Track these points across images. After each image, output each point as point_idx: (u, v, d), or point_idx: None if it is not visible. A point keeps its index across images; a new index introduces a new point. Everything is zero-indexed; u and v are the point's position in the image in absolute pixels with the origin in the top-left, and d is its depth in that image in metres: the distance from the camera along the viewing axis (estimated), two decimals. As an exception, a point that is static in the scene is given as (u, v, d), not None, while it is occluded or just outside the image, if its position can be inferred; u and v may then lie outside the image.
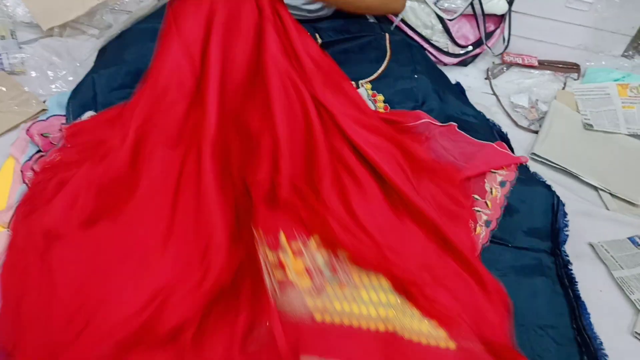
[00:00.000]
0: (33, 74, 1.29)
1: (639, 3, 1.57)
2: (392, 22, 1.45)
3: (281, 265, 0.87)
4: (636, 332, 1.03)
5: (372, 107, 1.25)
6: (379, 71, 1.33)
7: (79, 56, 1.32)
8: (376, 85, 1.31)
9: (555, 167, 1.34)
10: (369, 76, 1.32)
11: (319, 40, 1.32)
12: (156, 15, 1.29)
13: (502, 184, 1.12)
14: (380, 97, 1.30)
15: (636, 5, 1.57)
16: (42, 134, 1.10)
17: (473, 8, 1.53)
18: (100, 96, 1.14)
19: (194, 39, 0.92)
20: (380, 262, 0.89)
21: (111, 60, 1.22)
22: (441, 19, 1.52)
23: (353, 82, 1.31)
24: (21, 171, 1.06)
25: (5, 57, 1.27)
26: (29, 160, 1.07)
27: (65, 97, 1.19)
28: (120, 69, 1.18)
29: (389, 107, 1.30)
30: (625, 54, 1.67)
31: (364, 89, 1.29)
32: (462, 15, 1.54)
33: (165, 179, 0.89)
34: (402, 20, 1.48)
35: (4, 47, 1.29)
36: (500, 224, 1.08)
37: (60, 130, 1.09)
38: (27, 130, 1.11)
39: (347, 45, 1.34)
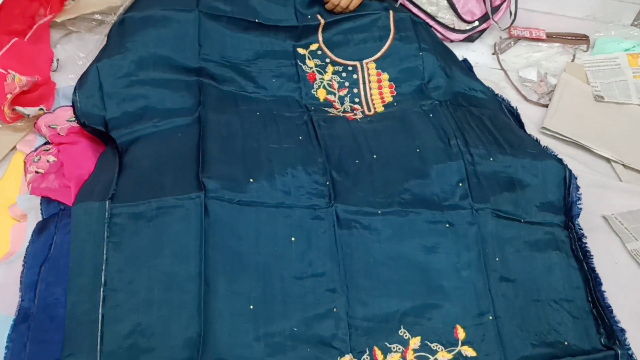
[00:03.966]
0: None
1: (648, -30, 1.54)
2: (396, 0, 1.43)
3: None
4: (653, 303, 1.03)
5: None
6: (383, 50, 1.31)
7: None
8: (381, 64, 1.30)
9: (566, 140, 1.33)
10: (372, 55, 1.31)
11: (322, 21, 1.31)
12: (156, 2, 1.27)
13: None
14: (385, 76, 1.29)
15: (645, -27, 1.54)
16: (49, 126, 1.11)
17: (478, -18, 1.51)
18: (106, 85, 1.14)
19: None
20: None
21: (114, 48, 1.21)
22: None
23: (357, 62, 1.30)
24: (24, 162, 1.07)
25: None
26: (34, 151, 1.07)
27: (71, 89, 1.19)
28: (124, 57, 1.17)
29: (394, 86, 1.29)
30: (635, 23, 1.63)
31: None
32: (468, -11, 1.52)
33: None
34: (408, -1, 1.46)
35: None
36: (512, 199, 1.08)
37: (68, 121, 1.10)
38: (35, 123, 1.12)
39: (349, 24, 1.33)
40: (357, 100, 1.28)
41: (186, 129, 1.10)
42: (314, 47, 1.31)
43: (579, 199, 1.11)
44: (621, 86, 1.45)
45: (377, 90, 1.28)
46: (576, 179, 1.13)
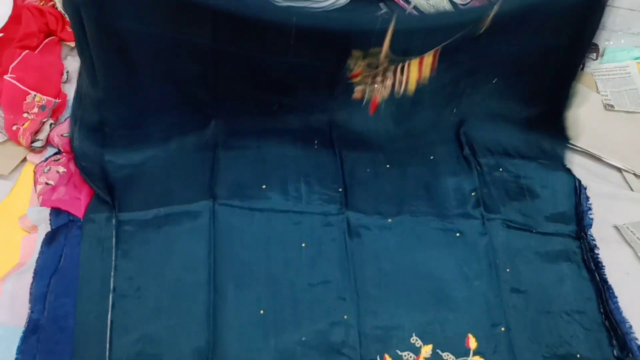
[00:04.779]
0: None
1: (658, -21, 1.53)
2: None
3: None
4: (666, 315, 1.01)
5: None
6: None
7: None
8: None
9: (576, 149, 1.32)
10: None
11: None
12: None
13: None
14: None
15: (655, -19, 1.54)
16: (62, 135, 1.11)
17: (486, -9, 1.50)
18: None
19: None
20: None
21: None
22: (453, 3, 1.50)
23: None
24: (34, 172, 1.07)
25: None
26: (44, 161, 1.08)
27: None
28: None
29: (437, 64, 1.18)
30: (645, 31, 1.63)
31: None
32: (476, -1, 1.52)
33: None
34: (413, 6, 1.46)
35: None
36: (522, 210, 1.07)
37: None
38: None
39: None
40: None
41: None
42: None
43: (590, 209, 1.11)
44: (631, 95, 1.44)
45: (417, 63, 1.03)
46: (586, 188, 1.12)
